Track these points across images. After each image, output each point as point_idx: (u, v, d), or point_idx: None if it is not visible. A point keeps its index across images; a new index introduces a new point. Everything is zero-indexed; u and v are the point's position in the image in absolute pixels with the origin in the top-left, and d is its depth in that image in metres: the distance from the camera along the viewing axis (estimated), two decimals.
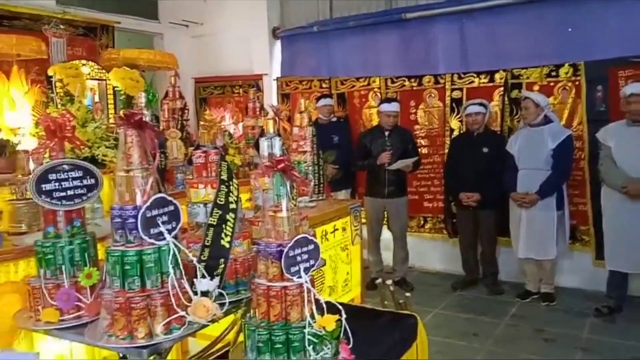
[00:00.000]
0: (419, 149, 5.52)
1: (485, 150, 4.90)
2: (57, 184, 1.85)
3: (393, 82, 5.88)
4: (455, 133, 5.52)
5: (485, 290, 5.08)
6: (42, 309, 1.83)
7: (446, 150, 5.52)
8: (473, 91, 5.41)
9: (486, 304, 4.81)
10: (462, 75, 5.51)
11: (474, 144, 4.96)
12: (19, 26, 4.99)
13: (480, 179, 4.85)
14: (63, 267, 1.84)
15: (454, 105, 5.56)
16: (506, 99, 5.27)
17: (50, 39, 4.30)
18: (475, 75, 5.44)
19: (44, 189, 1.83)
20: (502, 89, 5.27)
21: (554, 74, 5.03)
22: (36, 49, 4.04)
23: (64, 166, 1.89)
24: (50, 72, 3.61)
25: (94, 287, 1.85)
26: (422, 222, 5.84)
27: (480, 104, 4.97)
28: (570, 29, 5.00)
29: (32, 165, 2.54)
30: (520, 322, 4.40)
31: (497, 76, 5.31)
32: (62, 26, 4.52)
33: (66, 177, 1.88)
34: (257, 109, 4.53)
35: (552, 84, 5.05)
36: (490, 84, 5.34)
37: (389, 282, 3.11)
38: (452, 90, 5.56)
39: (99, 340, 1.67)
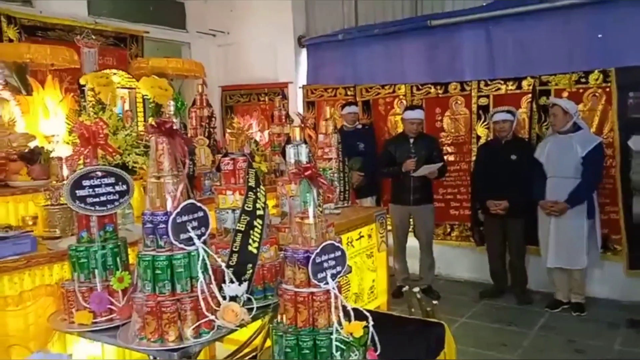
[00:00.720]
0: (445, 156, 5.48)
1: (513, 157, 4.84)
2: (90, 190, 1.91)
3: (419, 90, 5.86)
4: (482, 140, 5.47)
5: (513, 300, 4.99)
6: (76, 312, 1.88)
7: (473, 158, 5.47)
8: (500, 98, 5.35)
9: (515, 314, 4.73)
10: (489, 82, 5.46)
11: (501, 152, 4.90)
12: (53, 37, 5.14)
13: (508, 187, 4.78)
14: (96, 271, 1.89)
15: (480, 112, 5.51)
16: (534, 105, 5.19)
17: (82, 49, 4.42)
18: (502, 82, 5.38)
19: (78, 194, 1.88)
20: (529, 95, 5.20)
21: (583, 80, 4.95)
22: (69, 59, 4.17)
23: (97, 173, 1.94)
24: (82, 81, 3.71)
25: (126, 290, 1.89)
26: (448, 229, 5.78)
27: (508, 112, 4.91)
28: (600, 35, 4.92)
29: (65, 172, 2.61)
30: (550, 332, 4.32)
31: (524, 83, 5.24)
32: (93, 36, 4.64)
33: (99, 183, 1.93)
34: (283, 117, 4.56)
35: (581, 90, 4.96)
36: (518, 91, 5.28)
37: (417, 289, 3.09)
38: (479, 97, 5.51)
39: (131, 342, 1.71)
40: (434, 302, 3.18)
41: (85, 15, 5.53)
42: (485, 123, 5.45)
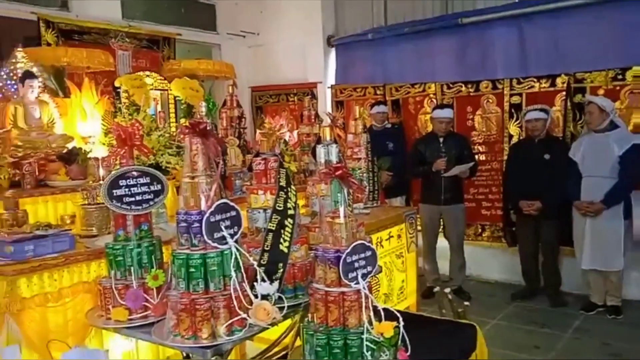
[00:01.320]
0: (476, 155, 5.41)
1: (546, 157, 4.74)
2: (126, 189, 1.96)
3: (449, 88, 5.80)
4: (515, 139, 5.38)
5: (546, 302, 4.89)
6: (112, 308, 1.93)
7: (505, 157, 5.38)
8: (533, 96, 5.24)
9: (548, 316, 4.64)
10: (522, 80, 5.36)
11: (534, 151, 4.81)
12: (89, 40, 5.28)
13: (541, 187, 4.69)
14: (132, 268, 1.94)
15: (512, 111, 5.42)
16: (569, 103, 5.08)
17: (117, 51, 4.54)
18: (535, 79, 5.27)
19: (114, 194, 1.93)
20: (564, 93, 5.09)
21: (620, 77, 4.81)
22: (104, 62, 4.29)
23: (133, 173, 1.99)
24: (117, 84, 3.80)
25: (160, 288, 1.93)
26: (479, 230, 5.70)
27: (541, 110, 4.82)
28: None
29: (102, 172, 2.68)
30: (584, 335, 4.22)
31: (558, 80, 5.13)
32: (127, 39, 4.76)
33: (135, 183, 1.98)
34: (312, 117, 4.58)
35: (618, 87, 4.83)
36: (552, 89, 5.17)
37: (448, 290, 3.07)
38: (511, 95, 5.42)
39: (166, 339, 1.74)
40: (465, 303, 3.14)
41: (120, 19, 5.66)
42: (517, 122, 5.36)
